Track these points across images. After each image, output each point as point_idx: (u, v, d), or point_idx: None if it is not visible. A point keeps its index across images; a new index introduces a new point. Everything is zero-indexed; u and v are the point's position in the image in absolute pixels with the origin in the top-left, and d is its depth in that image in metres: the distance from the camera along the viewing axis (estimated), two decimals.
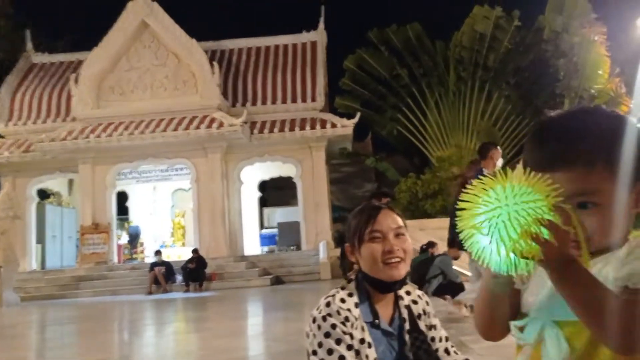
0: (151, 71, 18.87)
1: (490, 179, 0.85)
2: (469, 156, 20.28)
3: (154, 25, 18.75)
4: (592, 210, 0.94)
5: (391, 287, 1.74)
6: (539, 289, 1.01)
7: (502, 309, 1.04)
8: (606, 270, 0.95)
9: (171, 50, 18.85)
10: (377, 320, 1.70)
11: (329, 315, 1.64)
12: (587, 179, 0.94)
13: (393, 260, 1.70)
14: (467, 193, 0.86)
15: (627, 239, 0.99)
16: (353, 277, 1.76)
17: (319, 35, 21.47)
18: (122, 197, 20.95)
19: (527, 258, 0.83)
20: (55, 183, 21.34)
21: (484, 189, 0.85)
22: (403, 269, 1.72)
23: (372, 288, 1.73)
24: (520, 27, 20.87)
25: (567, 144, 0.96)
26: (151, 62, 18.94)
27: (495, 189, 0.84)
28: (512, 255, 0.83)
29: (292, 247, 19.93)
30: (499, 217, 0.82)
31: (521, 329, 1.02)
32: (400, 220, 1.77)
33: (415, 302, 1.80)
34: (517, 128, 20.59)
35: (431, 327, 1.80)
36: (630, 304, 0.87)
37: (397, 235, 1.74)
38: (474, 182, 0.87)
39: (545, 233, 0.81)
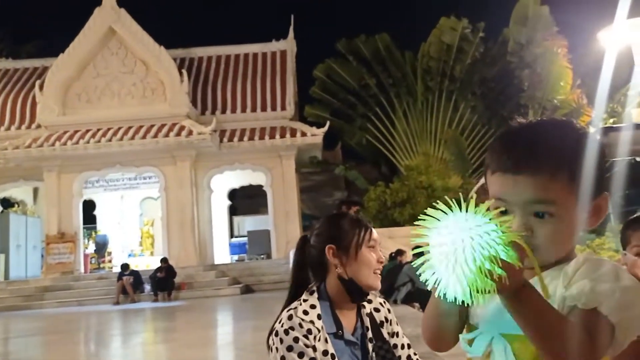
0: (119, 78, 18.67)
1: (449, 206, 0.85)
2: (436, 165, 20.59)
3: (122, 32, 18.57)
4: (547, 220, 0.95)
5: (365, 296, 1.77)
6: (488, 301, 0.96)
7: (451, 321, 1.04)
8: (554, 285, 0.96)
9: (139, 57, 18.69)
10: (340, 331, 1.69)
11: (291, 328, 1.63)
12: (548, 188, 0.94)
13: (379, 270, 1.76)
14: (423, 219, 0.86)
15: (574, 253, 1.01)
16: (315, 287, 1.76)
17: (288, 44, 21.56)
18: (89, 206, 20.62)
19: (482, 292, 0.83)
20: (19, 191, 20.88)
21: (441, 217, 0.84)
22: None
23: (344, 296, 1.72)
24: (486, 39, 21.32)
25: (534, 150, 0.95)
26: (119, 69, 18.74)
27: (453, 217, 0.84)
28: (467, 287, 0.83)
29: (262, 256, 19.88)
30: (455, 253, 0.82)
31: (470, 342, 1.02)
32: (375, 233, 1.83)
33: (377, 309, 1.80)
34: (483, 137, 20.98)
35: (393, 334, 1.80)
36: (581, 326, 0.88)
37: (375, 247, 1.79)
38: (429, 209, 0.86)
39: (499, 271, 0.81)
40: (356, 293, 1.73)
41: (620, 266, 0.99)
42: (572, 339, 0.87)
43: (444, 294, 0.86)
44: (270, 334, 1.69)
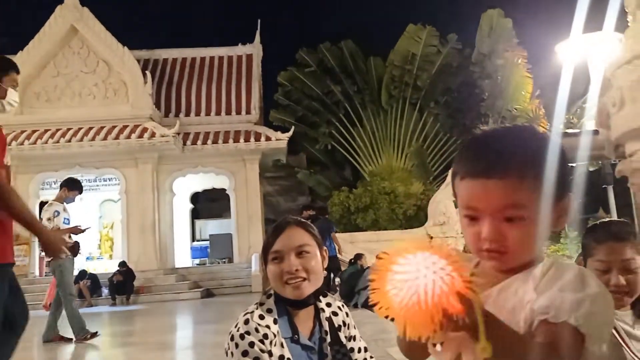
0: (80, 78, 18.31)
1: (411, 245, 0.80)
2: (399, 171, 20.82)
3: (84, 31, 18.24)
4: (518, 224, 0.96)
5: (300, 304, 1.73)
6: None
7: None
8: (522, 290, 0.97)
9: (101, 57, 18.38)
10: (296, 336, 1.69)
11: (247, 333, 1.62)
12: (518, 191, 0.95)
13: (293, 280, 1.68)
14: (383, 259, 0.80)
15: (541, 256, 1.03)
16: (272, 291, 1.75)
17: (255, 49, 21.53)
18: None
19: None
20: None
21: (401, 256, 0.79)
22: (307, 288, 1.70)
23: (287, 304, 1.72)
24: (454, 49, 21.67)
25: (502, 155, 0.97)
26: (80, 69, 18.39)
27: (412, 257, 0.78)
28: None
29: (224, 260, 19.73)
30: (413, 294, 0.75)
31: None
32: (306, 238, 1.75)
33: (335, 313, 1.80)
34: (444, 145, 21.32)
35: (351, 338, 1.80)
36: (551, 341, 0.88)
37: (300, 253, 1.71)
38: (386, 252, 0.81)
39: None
40: (287, 303, 1.72)
41: (586, 271, 1.01)
42: (543, 356, 0.86)
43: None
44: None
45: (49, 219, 7.04)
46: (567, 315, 0.90)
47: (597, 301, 0.92)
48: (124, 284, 14.87)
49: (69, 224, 7.16)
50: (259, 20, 22.03)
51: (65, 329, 7.27)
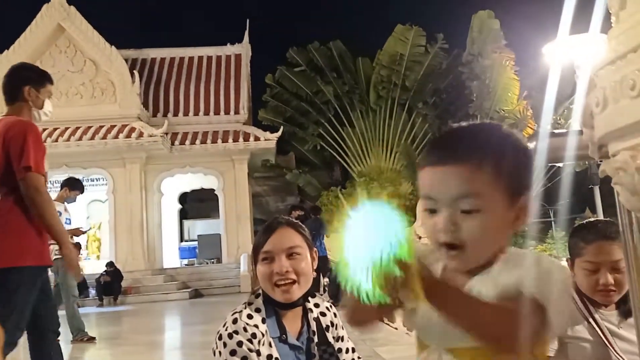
0: (67, 77, 18.17)
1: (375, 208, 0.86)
2: (388, 172, 20.88)
3: (71, 30, 18.11)
4: (473, 215, 0.96)
5: (288, 305, 1.72)
6: (431, 314, 0.98)
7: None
8: (485, 289, 0.98)
9: (89, 56, 18.26)
10: (284, 336, 1.69)
11: (235, 332, 1.62)
12: (473, 179, 0.95)
13: (282, 282, 1.67)
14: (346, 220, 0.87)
15: (502, 257, 1.02)
16: (261, 291, 1.75)
17: (243, 49, 21.50)
18: None
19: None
20: None
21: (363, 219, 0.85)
22: (296, 291, 1.69)
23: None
24: (442, 50, 21.76)
25: (460, 144, 0.99)
26: (67, 68, 18.25)
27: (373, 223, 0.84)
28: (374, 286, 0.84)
29: (212, 260, 19.68)
30: (369, 259, 0.83)
31: None
32: (297, 239, 1.73)
33: (323, 314, 1.79)
34: None
35: (339, 338, 1.80)
36: (515, 311, 0.90)
37: (291, 255, 1.70)
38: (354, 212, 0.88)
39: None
40: (276, 303, 1.71)
41: (541, 253, 1.04)
42: (507, 323, 0.90)
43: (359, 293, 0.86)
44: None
45: None
46: (527, 290, 0.93)
47: (553, 274, 0.95)
48: (111, 284, 14.79)
49: (70, 224, 7.13)
50: (247, 20, 22.01)
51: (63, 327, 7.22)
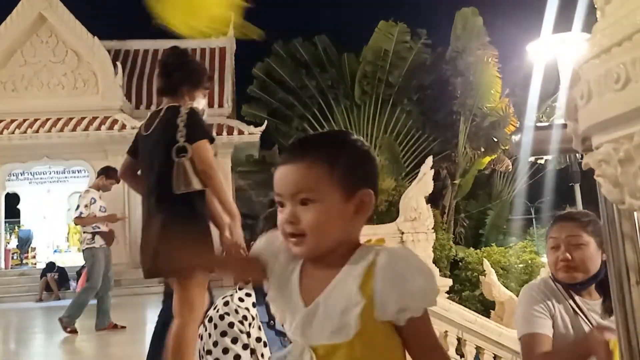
0: (48, 68, 17.93)
1: None
2: None
3: (53, 20, 17.85)
4: (310, 206, 1.07)
5: None
6: (294, 311, 1.11)
7: None
8: (348, 292, 1.06)
9: (71, 47, 18.02)
10: (272, 322, 1.72)
11: (227, 314, 1.64)
12: (308, 174, 1.08)
13: None
14: None
15: (356, 250, 1.11)
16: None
17: (228, 42, 21.35)
18: (12, 199, 19.71)
19: None
20: None
21: None
22: None
23: None
24: (426, 46, 21.84)
25: (302, 146, 1.15)
26: (48, 59, 17.99)
27: None
28: None
29: None
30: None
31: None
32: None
33: None
34: (417, 142, 21.50)
35: None
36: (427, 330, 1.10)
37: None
38: None
39: None
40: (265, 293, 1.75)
41: (407, 251, 1.13)
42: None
43: None
44: (201, 323, 1.69)
45: (85, 206, 7.00)
46: (422, 304, 1.06)
47: (432, 278, 1.07)
48: None
49: (105, 211, 7.16)
50: (232, 14, 21.83)
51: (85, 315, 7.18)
